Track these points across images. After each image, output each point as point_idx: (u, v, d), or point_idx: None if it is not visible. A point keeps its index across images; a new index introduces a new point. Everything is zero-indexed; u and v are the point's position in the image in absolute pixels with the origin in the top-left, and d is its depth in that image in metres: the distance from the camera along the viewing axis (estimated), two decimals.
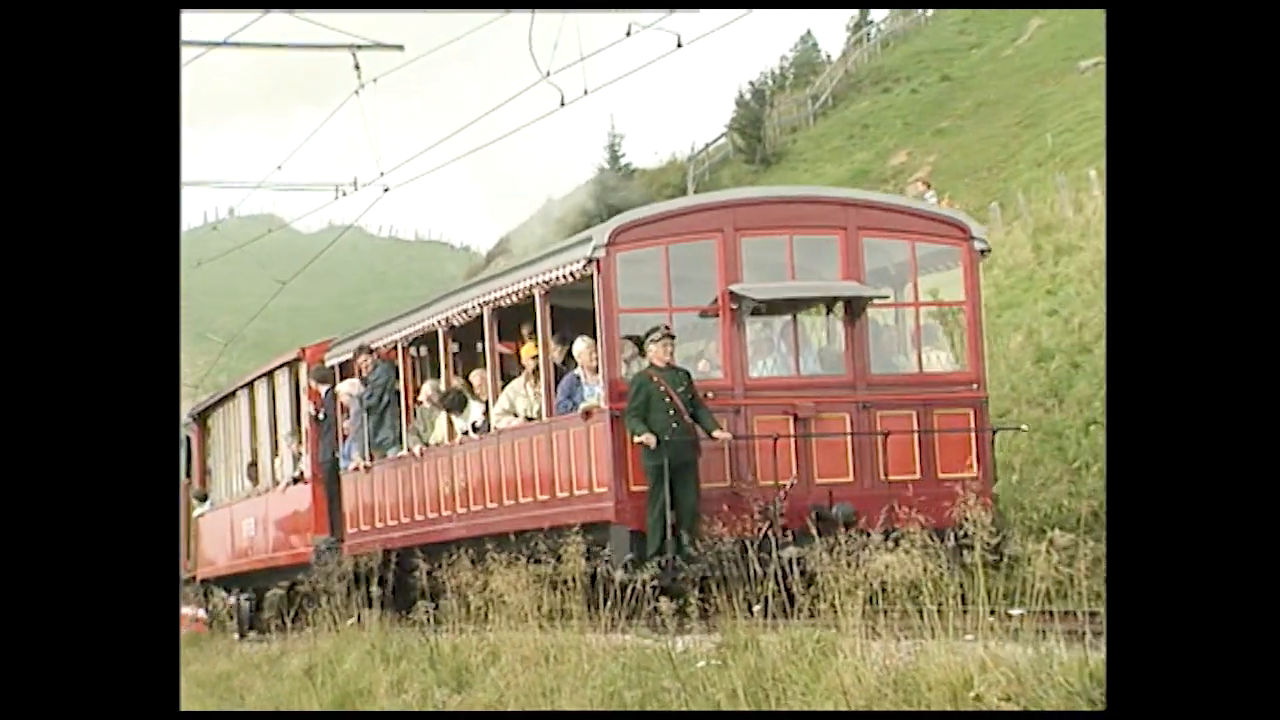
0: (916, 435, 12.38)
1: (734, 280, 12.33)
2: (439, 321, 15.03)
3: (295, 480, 18.55)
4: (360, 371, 16.48)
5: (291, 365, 19.02)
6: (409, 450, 15.65)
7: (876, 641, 7.74)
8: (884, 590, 7.78)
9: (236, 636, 20.76)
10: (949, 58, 52.22)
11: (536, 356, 13.69)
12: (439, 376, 15.76)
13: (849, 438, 12.28)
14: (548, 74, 13.68)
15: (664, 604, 9.56)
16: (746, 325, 12.50)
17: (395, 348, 16.12)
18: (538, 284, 13.06)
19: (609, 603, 10.60)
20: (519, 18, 13.64)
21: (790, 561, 9.82)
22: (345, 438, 17.11)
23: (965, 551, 8.43)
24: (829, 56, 60.97)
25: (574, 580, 10.71)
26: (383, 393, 16.00)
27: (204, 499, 23.18)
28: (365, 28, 16.18)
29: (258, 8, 15.42)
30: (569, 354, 13.57)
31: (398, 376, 16.07)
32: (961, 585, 7.58)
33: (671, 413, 11.67)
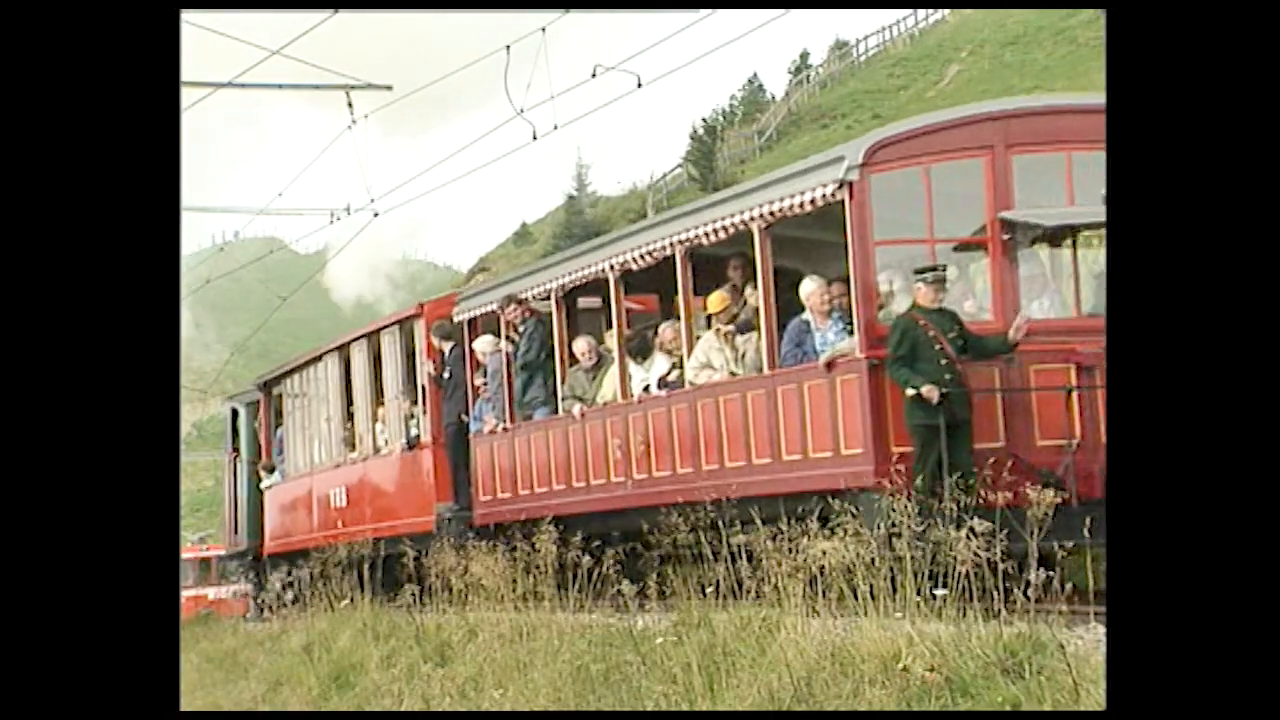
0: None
1: (1005, 206, 9.61)
2: (610, 267, 12.28)
3: (410, 445, 15.76)
4: (509, 326, 13.76)
5: (404, 324, 16.14)
6: (566, 412, 12.85)
7: (815, 620, 7.76)
8: (822, 574, 7.80)
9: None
10: (880, 98, 52.40)
11: (729, 308, 11.62)
12: (597, 332, 13.30)
13: (1075, 393, 9.27)
14: (521, 110, 13.67)
15: (625, 586, 9.54)
16: (1020, 258, 9.74)
17: (550, 298, 13.26)
18: (758, 216, 10.35)
19: (576, 585, 10.58)
20: (497, 60, 13.62)
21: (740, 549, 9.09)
22: (476, 398, 14.45)
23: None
24: (773, 96, 61.04)
25: (545, 565, 10.67)
26: (539, 348, 13.34)
27: (272, 470, 20.40)
28: (356, 69, 16.17)
29: (258, 8, 15.43)
30: (746, 304, 11.32)
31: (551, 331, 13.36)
32: (891, 569, 7.59)
33: (943, 362, 9.17)
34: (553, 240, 43.03)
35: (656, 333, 12.58)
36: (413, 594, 12.57)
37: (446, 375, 14.95)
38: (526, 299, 13.62)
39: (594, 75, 13.34)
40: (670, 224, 11.84)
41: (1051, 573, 6.93)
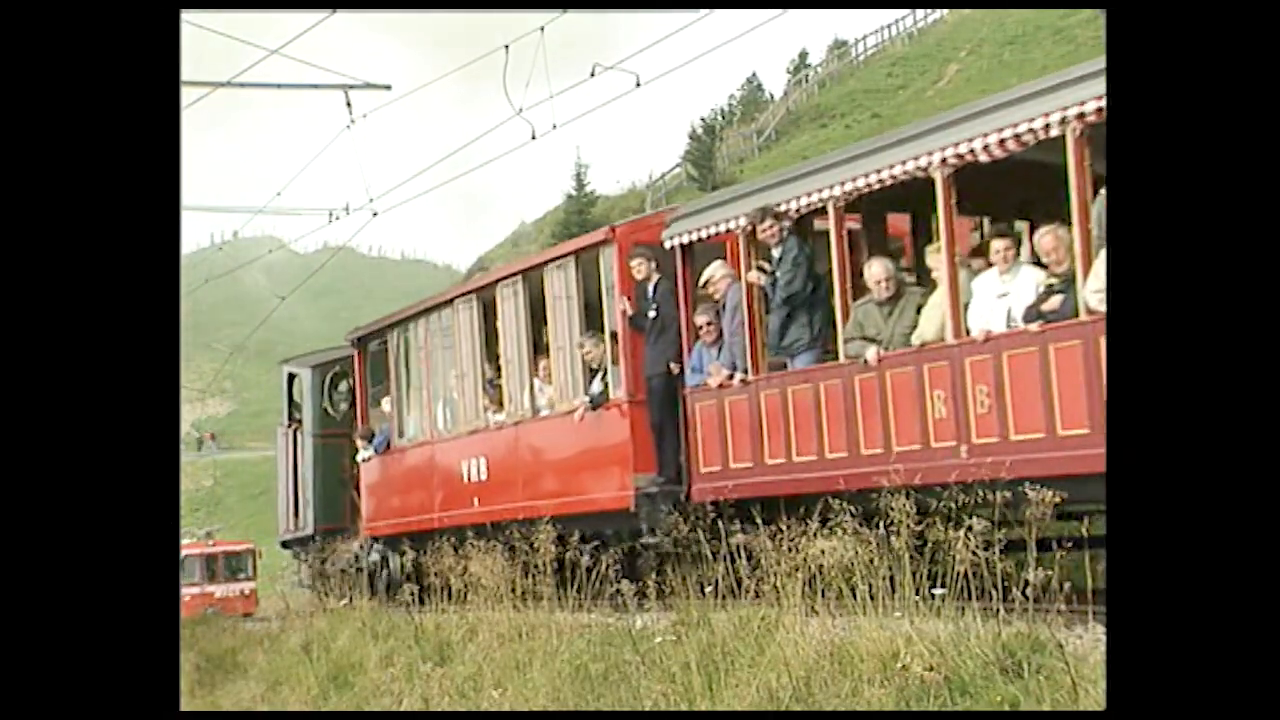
0: None
1: None
2: (939, 160, 9.20)
3: (594, 404, 12.48)
4: (750, 250, 10.85)
5: (583, 254, 12.83)
6: (852, 357, 9.87)
7: (814, 619, 7.77)
8: (820, 573, 7.81)
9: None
10: (879, 98, 52.42)
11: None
12: (890, 252, 10.72)
13: None
14: (520, 110, 13.67)
15: (625, 586, 9.54)
16: None
17: (828, 209, 10.19)
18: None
19: (575, 584, 10.58)
20: (495, 59, 13.61)
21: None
22: (695, 341, 11.51)
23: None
24: (772, 96, 61.08)
25: (544, 565, 10.66)
26: (806, 276, 10.46)
27: (371, 438, 17.07)
28: (356, 68, 16.15)
29: (258, 8, 15.44)
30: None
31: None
32: (890, 568, 7.60)
33: None
34: (551, 239, 43.04)
35: (993, 241, 9.49)
36: (412, 594, 12.54)
37: (651, 315, 11.90)
38: (788, 212, 10.58)
39: (593, 75, 13.35)
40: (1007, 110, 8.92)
41: (1050, 572, 6.93)
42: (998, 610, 7.02)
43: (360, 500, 17.45)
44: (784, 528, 8.07)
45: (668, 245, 11.75)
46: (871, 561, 7.58)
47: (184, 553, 32.31)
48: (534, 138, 13.93)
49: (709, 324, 11.35)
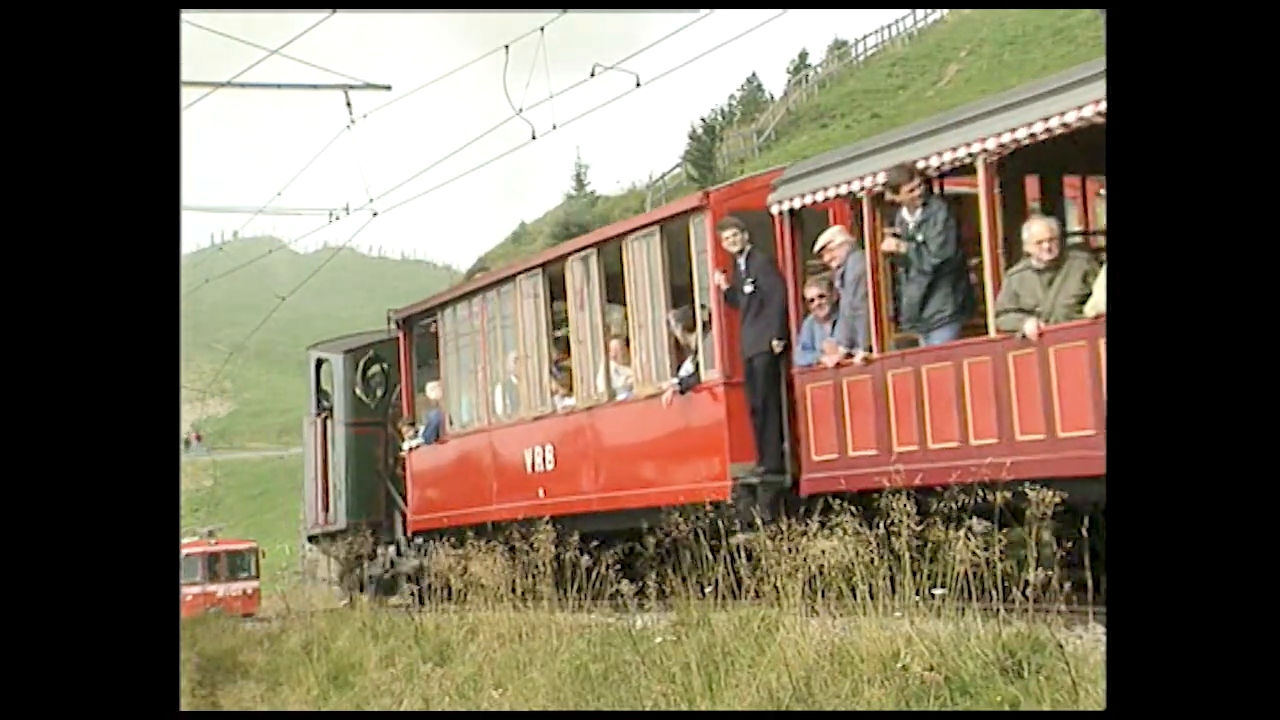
0: None
1: None
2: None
3: (683, 387, 11.32)
4: (874, 214, 9.78)
5: (670, 224, 11.69)
6: (1008, 331, 8.62)
7: (815, 619, 7.76)
8: (821, 573, 7.80)
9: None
10: (879, 98, 52.42)
11: None
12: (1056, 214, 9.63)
13: None
14: (520, 110, 13.67)
15: (624, 586, 9.53)
16: None
17: (975, 165, 9.02)
18: None
19: (575, 585, 10.57)
20: (495, 59, 13.62)
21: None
22: (803, 317, 10.41)
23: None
24: (772, 96, 61.08)
25: (544, 564, 10.65)
26: (957, 240, 9.45)
27: (414, 427, 15.99)
28: (356, 68, 16.16)
29: (258, 8, 15.43)
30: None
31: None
32: (890, 568, 7.59)
33: None
34: (551, 240, 43.09)
35: None
36: (412, 594, 12.52)
37: (749, 289, 10.76)
38: (929, 170, 9.43)
39: (593, 75, 13.35)
40: None
41: (1050, 572, 6.93)
42: (997, 611, 7.02)
43: (399, 492, 16.65)
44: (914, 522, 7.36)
45: (774, 211, 10.57)
46: (872, 561, 7.58)
47: (186, 551, 32.23)
48: (534, 138, 13.94)
49: (821, 297, 10.27)
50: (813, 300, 10.33)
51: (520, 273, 13.89)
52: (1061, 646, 6.41)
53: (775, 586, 8.05)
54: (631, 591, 9.34)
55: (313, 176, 20.52)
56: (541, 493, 13.17)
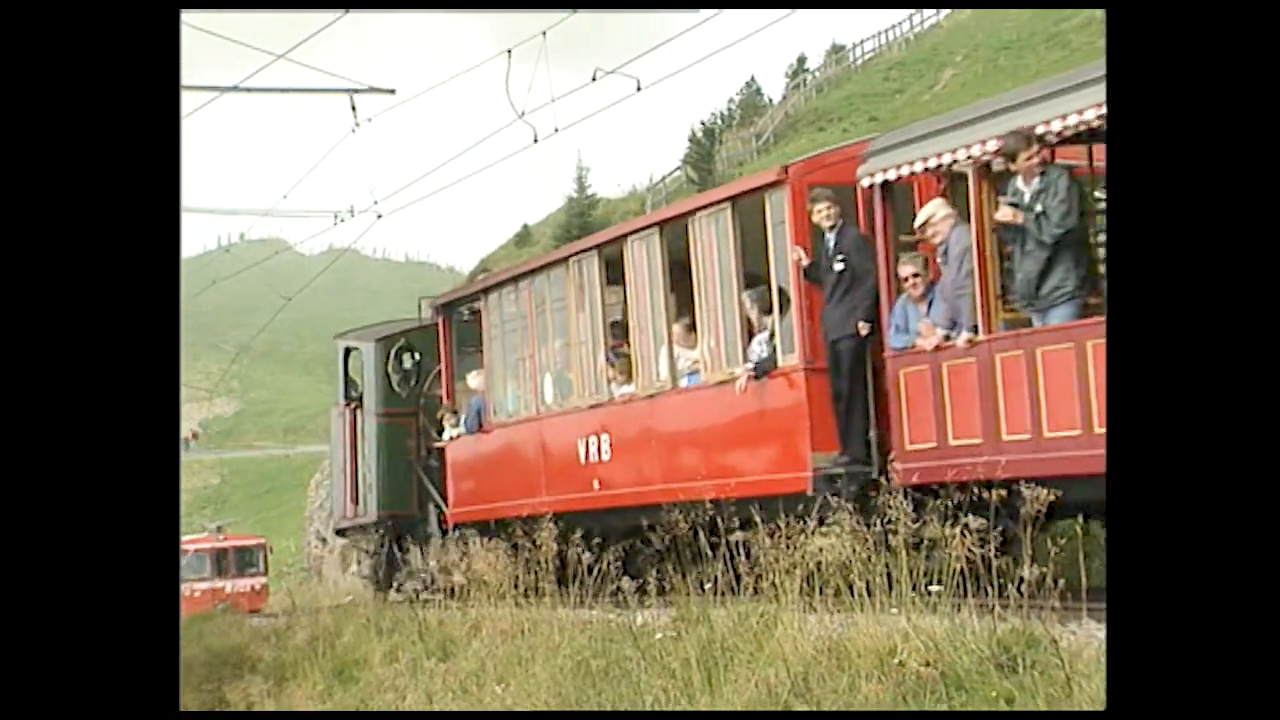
0: None
1: None
2: None
3: (759, 372, 10.62)
4: (1015, 179, 8.85)
5: (744, 200, 10.90)
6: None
7: (812, 615, 7.76)
8: (819, 570, 7.80)
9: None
10: (876, 102, 52.37)
11: None
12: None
13: None
14: (522, 114, 13.69)
15: (625, 583, 9.53)
16: None
17: (1090, 128, 8.36)
18: None
19: (577, 581, 10.56)
20: (498, 64, 13.61)
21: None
22: (895, 296, 9.70)
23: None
24: (770, 100, 61.02)
25: (546, 561, 10.64)
26: (1081, 211, 8.79)
27: (455, 416, 15.44)
28: (361, 72, 16.17)
29: (258, 8, 15.43)
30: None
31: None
32: (887, 565, 7.59)
33: None
34: (553, 241, 43.09)
35: None
36: (415, 590, 12.52)
37: (838, 267, 10.02)
38: (1048, 136, 8.70)
39: (594, 79, 13.36)
40: None
41: (1045, 569, 6.93)
42: (992, 607, 7.02)
43: (433, 483, 16.15)
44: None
45: (865, 183, 9.82)
46: (869, 559, 7.58)
47: (194, 547, 32.16)
48: (536, 141, 13.95)
49: (916, 275, 9.52)
50: (907, 279, 9.58)
51: (573, 255, 13.10)
52: (1056, 642, 6.41)
53: (774, 583, 8.05)
54: (633, 589, 9.35)
55: (318, 179, 20.53)
56: (596, 484, 12.54)
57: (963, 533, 7.09)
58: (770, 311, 10.71)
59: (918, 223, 9.59)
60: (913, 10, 59.01)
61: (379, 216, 18.27)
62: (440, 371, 16.15)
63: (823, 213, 10.12)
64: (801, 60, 61.20)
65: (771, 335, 10.67)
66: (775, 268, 10.64)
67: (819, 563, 7.74)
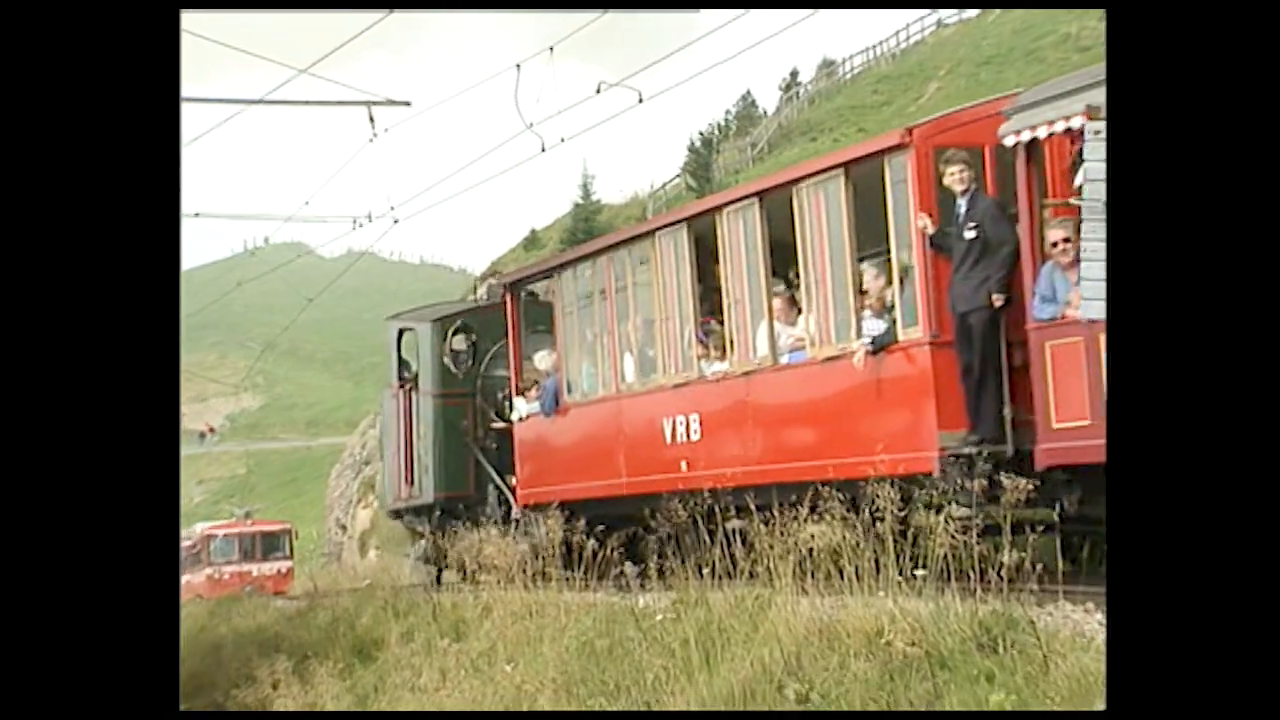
0: None
1: None
2: None
3: (876, 347, 9.54)
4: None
5: (860, 165, 9.82)
6: None
7: (805, 598, 7.76)
8: (810, 555, 7.80)
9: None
10: (864, 113, 52.31)
11: None
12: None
13: None
14: (531, 125, 13.69)
15: (628, 568, 9.53)
16: None
17: None
18: None
19: (582, 566, 10.56)
20: (508, 77, 13.61)
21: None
22: (1039, 264, 8.59)
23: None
24: (765, 111, 60.98)
25: (552, 547, 10.64)
26: None
27: (524, 395, 14.37)
28: (378, 85, 16.19)
29: (259, 8, 15.43)
30: None
31: None
32: (875, 550, 7.59)
33: None
34: (560, 245, 43.05)
35: None
36: (428, 574, 12.50)
37: (969, 234, 9.01)
38: None
39: (598, 91, 13.35)
40: None
41: (1024, 554, 6.92)
42: (974, 590, 7.02)
43: (491, 464, 15.36)
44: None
45: (1009, 142, 8.66)
46: (857, 545, 7.57)
47: (223, 532, 32.25)
48: (543, 150, 13.94)
49: (1067, 241, 8.42)
50: (1056, 245, 8.50)
51: (660, 228, 11.96)
52: (1034, 623, 6.41)
53: (768, 568, 8.05)
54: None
55: (338, 187, 20.57)
56: (684, 465, 11.31)
57: (946, 520, 7.08)
58: (890, 283, 9.64)
59: (1076, 184, 8.29)
60: (925, 12, 58.92)
61: (395, 221, 18.27)
62: (496, 352, 15.43)
63: (955, 175, 9.07)
64: (794, 74, 61.14)
65: (890, 308, 9.63)
66: (896, 237, 9.51)
67: (810, 549, 7.74)
